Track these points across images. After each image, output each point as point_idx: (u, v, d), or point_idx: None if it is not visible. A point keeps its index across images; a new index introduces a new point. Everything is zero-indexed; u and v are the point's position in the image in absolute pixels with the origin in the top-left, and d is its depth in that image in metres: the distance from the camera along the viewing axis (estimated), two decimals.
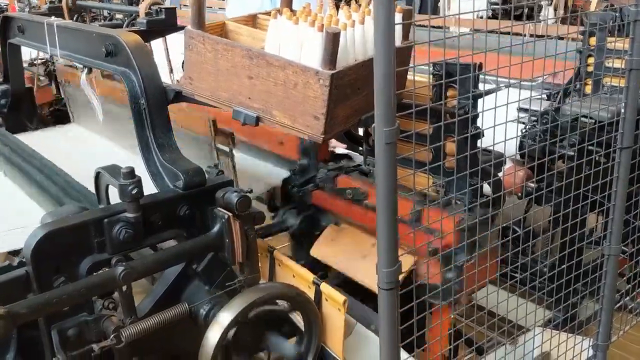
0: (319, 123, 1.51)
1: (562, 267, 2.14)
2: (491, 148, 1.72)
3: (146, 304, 1.70)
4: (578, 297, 2.36)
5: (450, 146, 1.85)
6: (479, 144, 1.80)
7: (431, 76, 1.84)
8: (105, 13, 4.19)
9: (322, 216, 2.20)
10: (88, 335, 1.56)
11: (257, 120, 1.60)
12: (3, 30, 2.66)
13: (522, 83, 1.63)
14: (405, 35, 1.72)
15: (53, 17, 2.29)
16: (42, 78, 3.51)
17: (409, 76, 1.92)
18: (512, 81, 1.60)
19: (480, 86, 1.82)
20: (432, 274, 1.73)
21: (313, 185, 2.25)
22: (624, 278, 2.69)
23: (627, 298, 2.70)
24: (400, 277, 1.67)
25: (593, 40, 2.72)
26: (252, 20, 1.82)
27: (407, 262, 1.83)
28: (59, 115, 3.38)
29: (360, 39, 1.57)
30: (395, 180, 1.21)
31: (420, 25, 2.98)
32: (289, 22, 1.51)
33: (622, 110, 1.59)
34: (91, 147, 2.78)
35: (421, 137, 1.75)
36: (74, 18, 3.09)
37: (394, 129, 1.15)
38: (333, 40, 1.42)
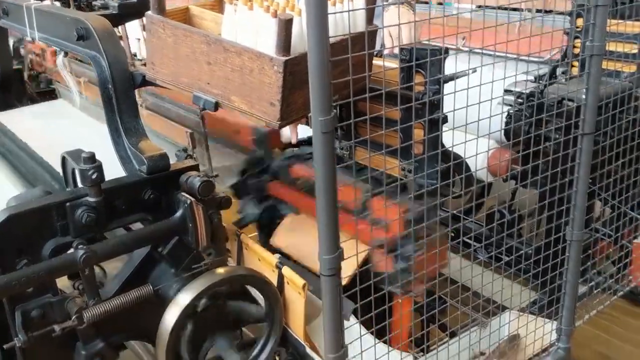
0: (275, 109, 1.51)
1: (548, 251, 2.14)
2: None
3: (113, 285, 1.73)
4: (564, 280, 2.36)
5: (418, 132, 1.84)
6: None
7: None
8: None
9: (281, 206, 2.11)
10: (52, 316, 1.59)
11: (216, 105, 1.61)
12: None
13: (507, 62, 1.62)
14: (370, 19, 1.71)
15: (33, 0, 2.30)
16: None
17: (379, 62, 1.93)
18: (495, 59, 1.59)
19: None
20: (383, 264, 1.72)
21: (268, 175, 2.14)
22: (609, 261, 2.71)
23: (612, 280, 2.71)
24: (352, 270, 1.65)
25: (580, 22, 2.69)
26: (218, 5, 1.82)
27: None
28: None
29: None
30: (334, 170, 1.21)
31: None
32: (244, 7, 1.51)
33: (584, 96, 1.57)
34: (74, 123, 2.80)
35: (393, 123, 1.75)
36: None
37: (329, 118, 1.15)
38: (285, 27, 1.42)
